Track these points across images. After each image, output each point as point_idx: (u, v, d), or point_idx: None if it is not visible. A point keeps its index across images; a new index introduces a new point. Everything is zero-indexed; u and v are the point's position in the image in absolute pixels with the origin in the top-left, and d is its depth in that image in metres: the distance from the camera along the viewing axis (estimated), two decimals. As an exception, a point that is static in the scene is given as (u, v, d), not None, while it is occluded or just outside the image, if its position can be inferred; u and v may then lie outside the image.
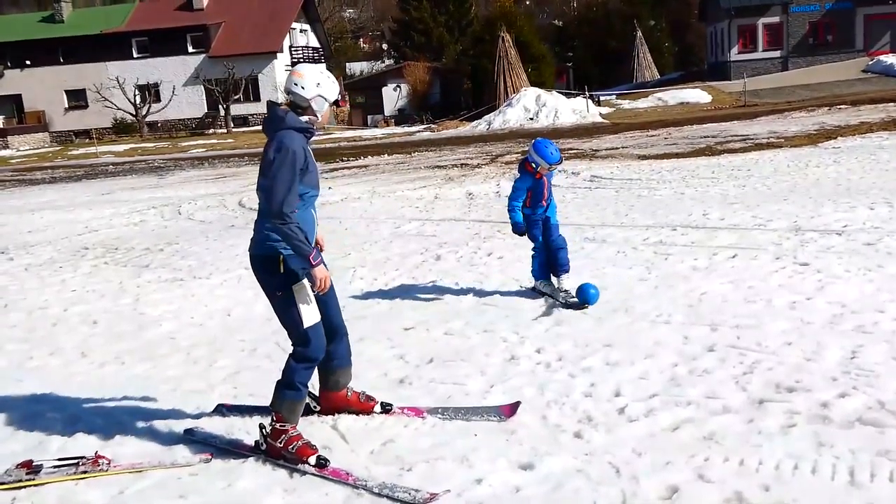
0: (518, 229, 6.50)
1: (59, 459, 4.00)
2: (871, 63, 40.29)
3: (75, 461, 3.95)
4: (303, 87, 3.82)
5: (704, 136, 21.18)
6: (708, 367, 4.79)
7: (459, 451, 3.92)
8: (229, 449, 4.10)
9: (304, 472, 3.81)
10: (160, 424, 4.52)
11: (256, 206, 3.84)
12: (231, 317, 6.88)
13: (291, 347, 3.95)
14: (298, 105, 3.85)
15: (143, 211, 15.02)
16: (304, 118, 3.85)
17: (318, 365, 4.09)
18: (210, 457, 3.99)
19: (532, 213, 6.50)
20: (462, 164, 19.46)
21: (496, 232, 9.97)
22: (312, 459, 3.79)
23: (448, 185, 15.52)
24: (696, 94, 38.55)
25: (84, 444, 4.29)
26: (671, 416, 4.16)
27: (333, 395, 4.35)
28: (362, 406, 4.38)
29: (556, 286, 6.56)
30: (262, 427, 3.97)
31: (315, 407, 4.38)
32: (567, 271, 6.52)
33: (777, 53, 44.71)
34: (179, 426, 4.46)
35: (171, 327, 6.69)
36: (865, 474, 3.39)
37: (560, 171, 15.49)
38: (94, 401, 4.98)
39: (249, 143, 37.39)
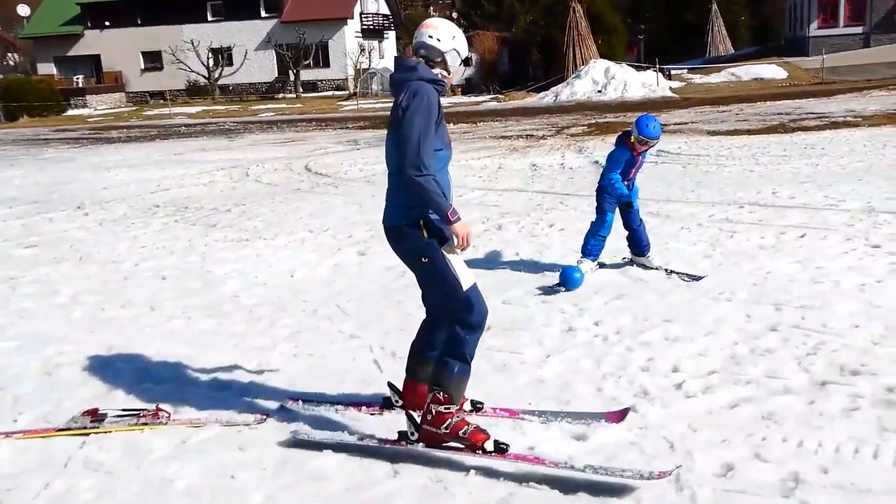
0: (625, 199, 6.40)
1: (123, 410, 4.16)
2: (960, 40, 38.45)
3: (137, 412, 4.11)
4: (438, 40, 3.54)
5: (778, 114, 20.56)
6: (770, 347, 4.71)
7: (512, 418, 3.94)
8: (365, 446, 3.67)
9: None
10: (224, 378, 4.66)
11: (387, 172, 3.57)
12: (294, 278, 7.01)
13: (452, 322, 3.54)
14: (431, 59, 3.56)
15: (213, 172, 15.33)
16: (436, 71, 3.57)
17: (413, 351, 3.90)
18: (266, 416, 4.09)
19: (609, 187, 6.41)
20: (527, 136, 19.31)
21: (559, 203, 9.91)
22: (490, 445, 3.49)
23: (512, 155, 15.44)
24: (771, 70, 37.36)
25: (150, 394, 4.46)
26: (730, 394, 4.11)
27: (422, 388, 3.80)
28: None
29: (646, 264, 6.58)
30: (409, 415, 3.63)
31: (397, 401, 4.01)
32: (650, 249, 6.61)
33: (859, 29, 42.94)
34: (242, 380, 4.59)
35: (236, 285, 6.85)
36: (929, 461, 3.31)
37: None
38: (161, 353, 5.16)
39: (318, 109, 37.75)
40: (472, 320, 3.52)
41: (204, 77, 49.04)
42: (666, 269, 6.39)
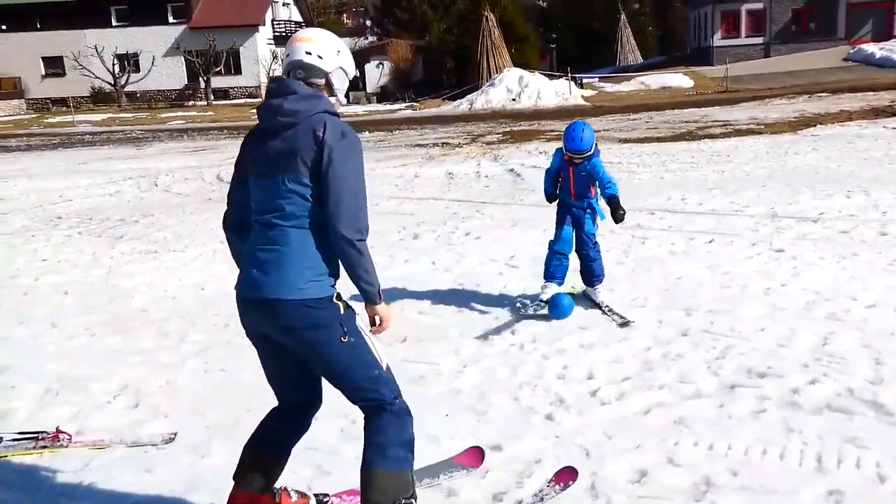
0: (547, 195, 5.91)
1: (20, 433, 3.95)
2: (852, 52, 40.47)
3: (35, 435, 3.90)
4: (320, 56, 2.80)
5: (685, 121, 21.21)
6: (681, 352, 4.81)
7: (429, 430, 3.90)
8: None
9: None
10: (130, 397, 4.47)
11: (259, 219, 2.81)
12: (205, 291, 6.81)
13: (375, 406, 2.87)
14: (311, 81, 2.81)
15: (119, 182, 14.82)
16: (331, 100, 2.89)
17: (258, 454, 2.99)
18: (174, 435, 3.94)
19: (563, 197, 5.83)
20: (443, 143, 19.37)
21: (475, 212, 9.94)
22: None
23: (428, 163, 15.44)
24: (678, 79, 38.53)
25: (50, 416, 4.24)
26: (643, 399, 4.17)
27: (260, 500, 3.02)
28: None
29: (591, 296, 5.90)
30: None
31: None
32: (601, 282, 5.88)
33: (759, 40, 44.78)
34: (148, 400, 4.41)
35: (144, 300, 6.61)
36: (832, 460, 3.42)
37: (540, 153, 15.50)
38: (63, 373, 4.91)
39: (230, 117, 37.00)
40: (404, 404, 2.94)
41: (109, 84, 47.51)
42: (606, 308, 5.69)
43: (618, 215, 5.38)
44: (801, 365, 4.47)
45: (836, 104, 22.71)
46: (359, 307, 2.87)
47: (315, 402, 3.05)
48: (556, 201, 5.88)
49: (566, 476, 3.34)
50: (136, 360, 5.12)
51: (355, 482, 3.35)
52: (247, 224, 2.87)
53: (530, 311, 5.58)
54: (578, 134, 5.53)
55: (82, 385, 4.69)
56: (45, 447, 3.80)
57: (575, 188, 5.68)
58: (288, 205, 2.72)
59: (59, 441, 3.82)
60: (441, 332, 5.41)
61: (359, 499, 3.14)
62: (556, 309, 5.54)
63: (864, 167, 11.38)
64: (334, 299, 2.77)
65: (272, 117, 2.76)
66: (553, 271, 5.79)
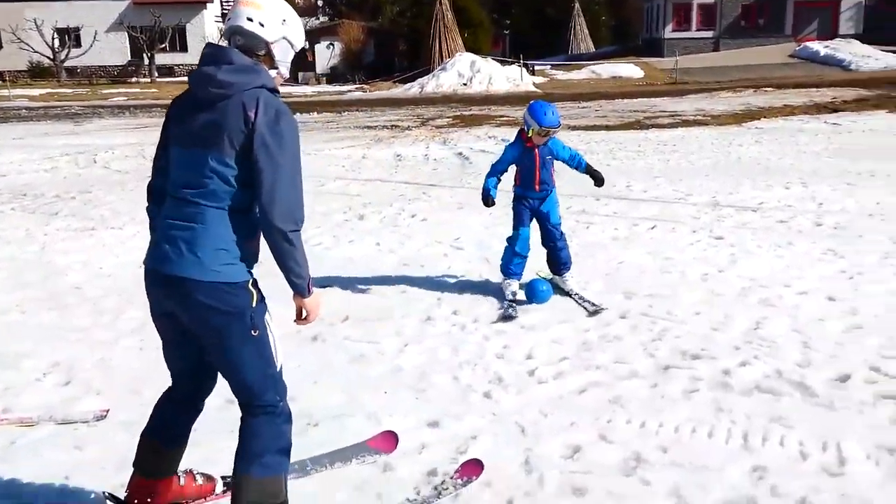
0: (483, 196, 5.58)
1: (-57, 410, 3.84)
2: (798, 49, 41.41)
3: (-40, 412, 3.80)
4: (262, 24, 2.60)
5: (634, 111, 21.46)
6: (619, 334, 4.88)
7: (369, 408, 3.91)
8: None
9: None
10: (63, 375, 4.38)
11: (178, 193, 2.63)
12: (142, 269, 6.65)
13: (256, 407, 2.73)
14: (251, 50, 2.63)
15: (57, 158, 14.41)
16: (271, 73, 2.70)
17: (155, 440, 2.90)
18: (107, 412, 3.87)
19: (521, 195, 5.60)
20: (392, 126, 19.29)
21: (422, 194, 9.93)
22: None
23: (377, 145, 15.37)
24: (628, 69, 38.99)
25: (-22, 392, 4.13)
26: (580, 379, 4.23)
27: (163, 486, 2.93)
28: (200, 492, 3.08)
29: (560, 285, 5.75)
30: None
31: None
32: (569, 269, 5.77)
33: (709, 34, 45.52)
34: (81, 377, 4.32)
35: (80, 277, 6.46)
36: (758, 439, 3.51)
37: (489, 138, 15.54)
38: (-8, 349, 4.79)
39: (174, 94, 36.14)
40: (287, 408, 2.80)
41: (49, 58, 46.10)
42: (576, 296, 5.60)
43: (601, 179, 5.80)
44: (733, 348, 4.57)
45: (780, 99, 23.20)
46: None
47: (210, 387, 2.93)
48: (514, 200, 5.68)
49: (471, 470, 3.27)
50: (70, 338, 5.01)
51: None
52: (166, 194, 2.71)
53: (512, 313, 5.26)
54: (548, 109, 5.40)
55: (12, 362, 4.57)
56: (-31, 424, 3.71)
57: (541, 174, 5.51)
58: (210, 183, 2.55)
59: (-16, 418, 3.73)
60: (384, 312, 5.41)
61: None
62: (537, 295, 5.47)
63: (804, 160, 11.66)
64: (249, 286, 2.63)
65: (203, 87, 2.57)
66: (515, 269, 5.64)
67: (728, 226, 7.65)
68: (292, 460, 3.22)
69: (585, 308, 5.39)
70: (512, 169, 5.67)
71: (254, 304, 2.63)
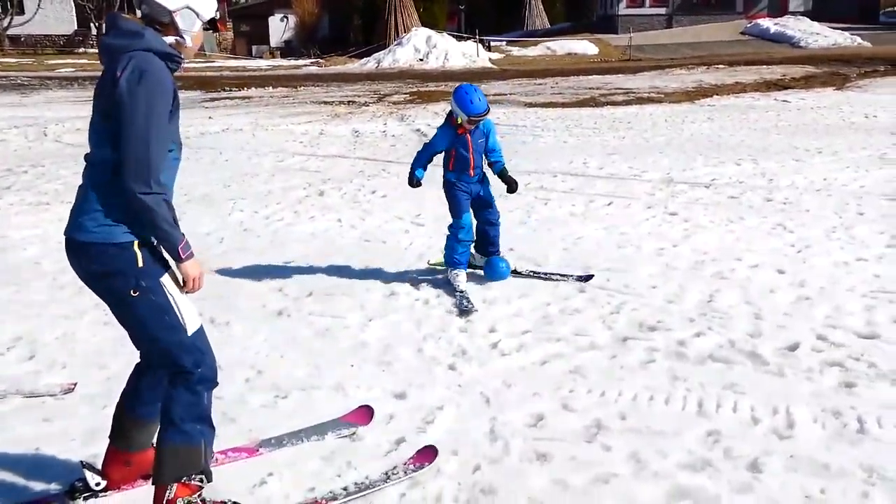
0: (411, 180, 5.50)
1: None
2: (749, 26, 41.98)
3: (-74, 386, 3.78)
4: None
5: (589, 88, 21.62)
6: (578, 307, 5.01)
7: (336, 379, 3.98)
8: None
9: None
10: (24, 349, 4.36)
11: (87, 162, 2.69)
12: (102, 244, 6.61)
13: (172, 374, 2.73)
14: (155, 20, 2.65)
15: (4, 130, 14.08)
16: (169, 39, 2.68)
17: (125, 410, 2.94)
18: (74, 385, 3.88)
19: (457, 181, 5.39)
20: (349, 102, 19.17)
21: (381, 170, 9.95)
22: None
23: (334, 121, 15.29)
24: (583, 46, 39.15)
25: (-61, 368, 4.10)
26: (541, 351, 4.35)
27: (139, 457, 2.98)
28: None
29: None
30: None
31: (97, 484, 2.93)
32: (498, 252, 5.65)
33: (662, 10, 45.85)
34: (44, 352, 4.31)
35: (36, 251, 6.39)
36: (712, 405, 3.67)
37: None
38: (-51, 325, 4.74)
39: (125, 67, 35.40)
40: (207, 373, 2.75)
41: (-9, 26, 44.75)
42: (550, 274, 5.59)
43: (515, 187, 5.53)
44: (687, 319, 4.73)
45: (731, 76, 23.58)
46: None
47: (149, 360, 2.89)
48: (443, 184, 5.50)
49: (424, 457, 3.25)
50: (29, 312, 4.97)
51: (259, 430, 3.42)
52: None
53: (469, 307, 5.04)
54: (474, 95, 5.19)
55: (-28, 337, 4.54)
56: (-67, 399, 3.69)
57: (475, 158, 5.35)
58: (95, 146, 2.64)
59: (-52, 393, 3.71)
60: (347, 287, 5.46)
61: (244, 455, 3.21)
62: (497, 272, 5.46)
63: (755, 137, 11.93)
64: (134, 247, 2.61)
65: (100, 54, 2.68)
66: (461, 259, 5.47)
67: (681, 202, 7.84)
68: (270, 435, 3.30)
69: (566, 279, 5.45)
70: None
71: (139, 265, 2.61)
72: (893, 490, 2.98)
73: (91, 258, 2.61)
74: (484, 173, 5.51)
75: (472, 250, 5.65)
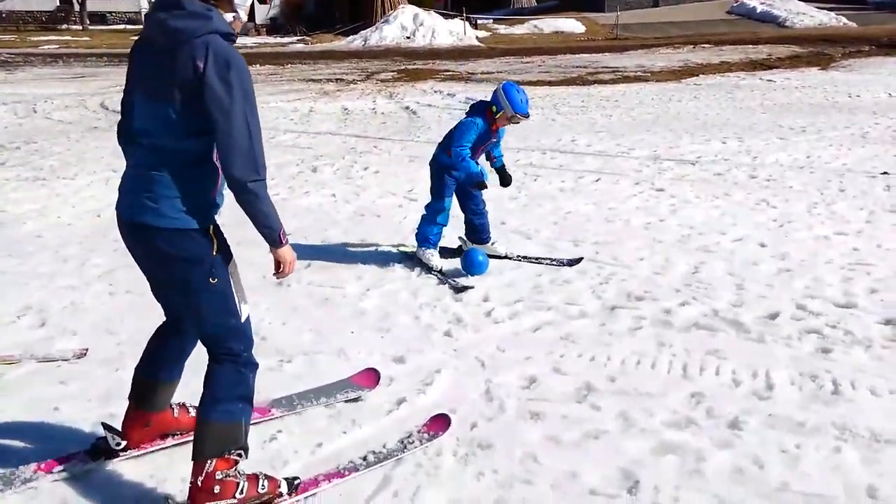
0: (479, 178, 5.21)
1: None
2: (735, 5, 42.09)
3: (-57, 351, 3.92)
4: None
5: (577, 66, 21.74)
6: (569, 278, 5.19)
7: (337, 345, 4.15)
8: None
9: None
10: (35, 318, 4.50)
11: (140, 140, 2.62)
12: (101, 218, 6.73)
13: (220, 354, 2.77)
14: None
15: (-5, 107, 14.09)
16: (228, 16, 2.63)
17: (148, 372, 3.02)
18: (86, 350, 4.03)
19: (452, 167, 5.27)
20: (337, 79, 19.20)
21: (372, 147, 10.08)
22: (284, 487, 2.88)
23: (323, 98, 15.36)
24: (570, 24, 39.18)
25: (-48, 335, 4.24)
26: (533, 318, 4.53)
27: (158, 418, 3.10)
28: (193, 423, 2.89)
29: (490, 252, 5.53)
30: (168, 499, 2.86)
31: (118, 444, 3.03)
32: (487, 240, 5.61)
33: (649, -11, 45.83)
34: (55, 320, 4.45)
35: (37, 226, 6.51)
36: (696, 369, 3.86)
37: (435, 92, 15.66)
38: (-43, 295, 4.88)
39: (109, 43, 35.19)
40: (252, 358, 2.83)
41: (-27, 2, 44.25)
42: (520, 256, 5.62)
43: (509, 182, 5.62)
44: (673, 290, 4.93)
45: (718, 55, 23.74)
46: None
47: (186, 329, 2.97)
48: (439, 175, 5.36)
49: (437, 425, 3.34)
50: (35, 284, 5.10)
51: (267, 392, 3.58)
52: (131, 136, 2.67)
53: (458, 284, 5.07)
54: (524, 95, 5.23)
55: (-18, 306, 4.68)
56: (-49, 362, 3.84)
57: (482, 152, 5.40)
58: (165, 129, 2.54)
59: (-36, 356, 3.86)
60: (344, 259, 5.62)
61: (256, 415, 3.22)
62: (477, 267, 5.28)
63: (741, 115, 12.13)
64: (208, 233, 2.65)
65: (155, 34, 2.53)
66: (434, 239, 5.41)
67: (668, 178, 8.02)
68: (280, 395, 3.46)
69: (559, 263, 5.46)
70: (437, 135, 5.39)
71: (213, 252, 2.64)
72: (863, 446, 3.19)
73: (170, 243, 2.59)
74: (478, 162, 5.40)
75: (465, 237, 5.68)
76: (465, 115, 5.36)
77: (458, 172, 5.26)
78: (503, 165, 5.64)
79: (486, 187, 5.34)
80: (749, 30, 35.38)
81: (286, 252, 2.75)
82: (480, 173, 5.19)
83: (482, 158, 5.51)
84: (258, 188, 2.56)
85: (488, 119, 5.24)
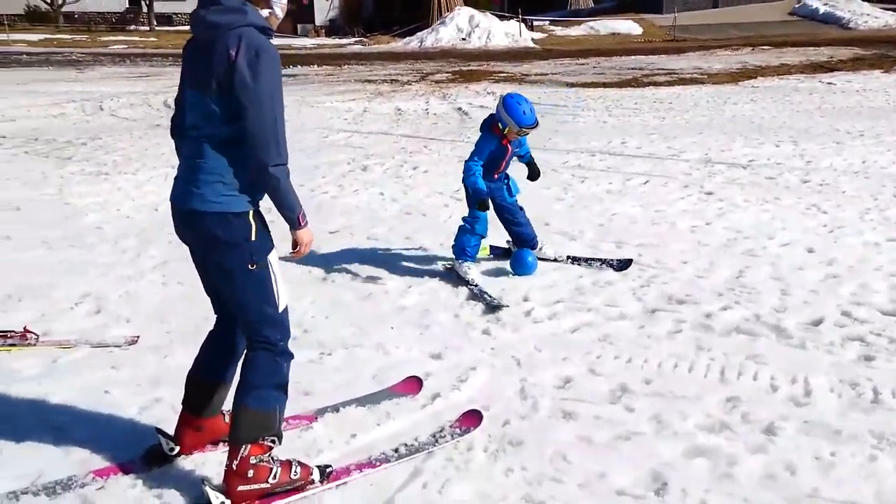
0: (481, 195, 5.10)
1: (-12, 332, 4.16)
2: (797, 6, 41.20)
3: (3, 333, 4.13)
4: None
5: (632, 68, 21.57)
6: (610, 280, 5.20)
7: (377, 339, 4.25)
8: None
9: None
10: (92, 304, 4.71)
11: (190, 133, 2.75)
12: (158, 211, 6.97)
13: (257, 341, 2.84)
14: None
15: (63, 104, 14.59)
16: (264, 12, 2.76)
17: (199, 378, 3.08)
18: (137, 337, 4.20)
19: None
20: (392, 80, 19.40)
21: (423, 147, 10.19)
22: (316, 474, 2.94)
23: (377, 99, 15.54)
24: (627, 26, 38.83)
25: (14, 319, 4.45)
26: (572, 319, 4.56)
27: (210, 423, 3.13)
28: None
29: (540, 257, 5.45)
30: (204, 481, 2.84)
31: (171, 449, 3.08)
32: (538, 242, 5.53)
33: (709, -10, 45.12)
34: (110, 308, 4.65)
35: (98, 218, 6.78)
36: (734, 373, 3.85)
37: (488, 94, 15.71)
38: (20, 281, 5.12)
39: (174, 44, 36.05)
40: (287, 348, 2.90)
41: (45, 2, 45.67)
42: (570, 258, 5.58)
43: (538, 176, 5.56)
44: (716, 294, 4.90)
45: (777, 57, 23.31)
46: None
47: (232, 326, 3.02)
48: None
49: (470, 420, 3.37)
50: (94, 272, 5.33)
51: (307, 384, 3.69)
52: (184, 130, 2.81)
53: (492, 302, 4.86)
54: (526, 106, 5.06)
55: (44, 293, 4.91)
56: (13, 345, 4.04)
57: (505, 166, 5.32)
58: (206, 120, 2.68)
59: (27, 339, 4.06)
60: (388, 256, 5.72)
61: (304, 422, 3.38)
62: (526, 268, 5.31)
63: (797, 119, 11.92)
64: (249, 218, 2.73)
65: (197, 29, 2.70)
66: (472, 252, 5.31)
67: (718, 181, 7.95)
68: (321, 389, 3.54)
69: (611, 266, 5.44)
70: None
71: (253, 237, 2.72)
72: (901, 454, 3.15)
73: (213, 226, 2.70)
74: (507, 177, 5.42)
75: (512, 245, 5.60)
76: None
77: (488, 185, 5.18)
78: (531, 160, 5.55)
79: (487, 208, 5.15)
80: (811, 31, 34.61)
81: (304, 233, 2.86)
82: (483, 192, 5.09)
83: (512, 168, 5.40)
84: (279, 172, 2.67)
85: (496, 135, 5.14)
